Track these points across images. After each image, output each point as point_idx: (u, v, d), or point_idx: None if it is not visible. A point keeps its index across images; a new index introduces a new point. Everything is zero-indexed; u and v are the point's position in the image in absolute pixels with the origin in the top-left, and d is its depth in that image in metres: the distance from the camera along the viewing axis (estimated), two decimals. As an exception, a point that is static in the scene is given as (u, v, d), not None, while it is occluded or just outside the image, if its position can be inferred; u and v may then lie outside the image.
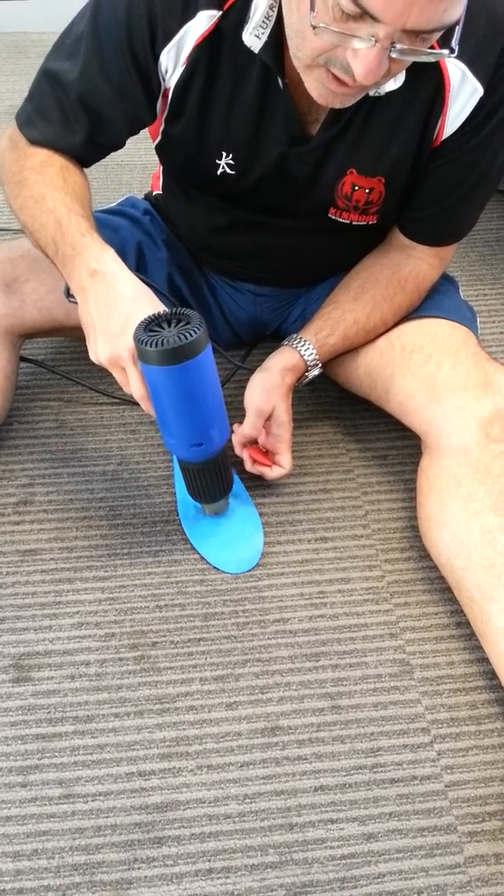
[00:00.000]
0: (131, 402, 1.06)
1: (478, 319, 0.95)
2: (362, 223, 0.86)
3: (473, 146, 0.77)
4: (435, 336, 0.86)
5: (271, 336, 1.12)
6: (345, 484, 0.98)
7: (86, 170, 0.85)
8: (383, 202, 0.83)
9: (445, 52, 0.62)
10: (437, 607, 0.86)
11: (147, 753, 0.74)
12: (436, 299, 0.91)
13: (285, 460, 0.90)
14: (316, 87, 0.67)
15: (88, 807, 0.71)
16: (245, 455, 0.92)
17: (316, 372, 0.90)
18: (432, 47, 0.62)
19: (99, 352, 0.73)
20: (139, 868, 0.68)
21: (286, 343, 0.90)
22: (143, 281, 0.75)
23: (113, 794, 0.72)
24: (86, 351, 1.11)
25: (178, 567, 0.89)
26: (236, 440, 0.91)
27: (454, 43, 0.62)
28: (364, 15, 0.57)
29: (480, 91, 0.73)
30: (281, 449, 0.90)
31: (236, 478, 0.95)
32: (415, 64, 0.69)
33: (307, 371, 0.89)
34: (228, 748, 0.75)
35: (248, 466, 0.92)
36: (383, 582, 0.88)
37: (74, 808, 0.71)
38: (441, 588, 0.87)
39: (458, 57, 0.70)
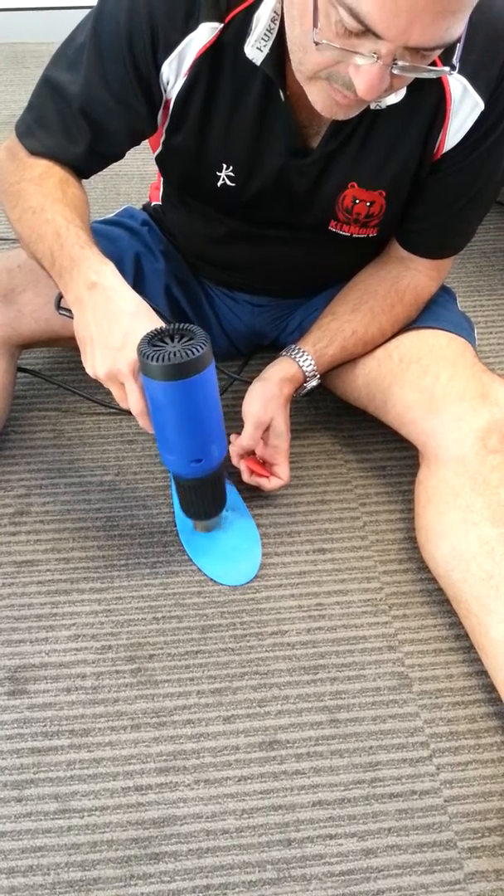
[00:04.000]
0: (129, 413, 1.05)
1: (475, 330, 0.96)
2: (362, 236, 0.86)
3: (474, 160, 0.78)
4: (433, 347, 0.86)
5: (269, 346, 1.12)
6: (343, 495, 0.98)
7: (84, 180, 0.85)
8: (384, 215, 0.83)
9: (447, 69, 0.62)
10: (435, 619, 0.86)
11: (144, 768, 0.74)
12: (434, 310, 0.91)
13: (283, 471, 0.90)
14: (320, 98, 0.67)
15: (84, 822, 0.70)
16: (242, 466, 0.91)
17: (314, 383, 0.90)
18: (434, 63, 0.62)
19: (97, 366, 0.73)
20: (136, 885, 0.67)
21: (284, 354, 0.90)
22: (143, 297, 0.75)
23: (109, 809, 0.71)
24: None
25: (176, 579, 0.88)
26: (234, 451, 0.91)
27: (455, 60, 0.62)
28: (366, 31, 0.57)
29: (481, 106, 0.73)
30: (279, 460, 0.90)
31: (234, 489, 0.94)
32: (416, 78, 0.70)
33: (305, 382, 0.89)
34: (226, 762, 0.74)
35: (246, 478, 0.92)
36: (382, 594, 0.88)
37: (70, 824, 0.70)
38: (439, 600, 0.86)
39: (459, 71, 0.71)
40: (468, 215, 0.85)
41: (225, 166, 0.81)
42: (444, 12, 0.55)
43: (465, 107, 0.74)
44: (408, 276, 0.88)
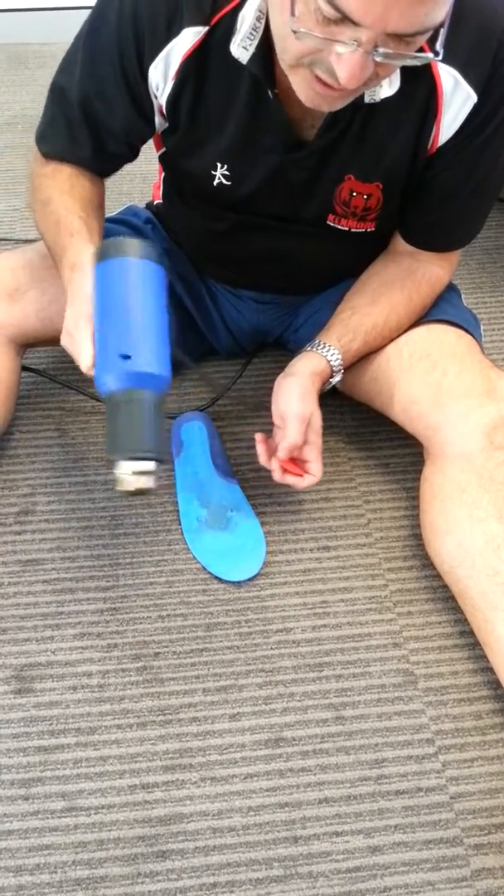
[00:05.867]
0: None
1: (481, 327, 0.95)
2: (361, 230, 0.86)
3: (470, 152, 0.77)
4: (442, 343, 0.86)
5: (272, 344, 1.12)
6: (347, 493, 0.98)
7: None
8: (381, 209, 0.83)
9: (430, 55, 0.62)
10: (440, 616, 0.86)
11: (150, 765, 0.74)
12: (442, 306, 0.91)
13: (316, 468, 0.86)
14: (302, 88, 0.67)
15: (91, 820, 0.70)
16: (274, 465, 0.86)
17: (338, 378, 0.88)
18: (422, 49, 0.61)
19: (63, 325, 0.74)
20: (143, 882, 0.67)
21: (310, 349, 0.87)
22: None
23: (116, 807, 0.71)
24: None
25: (181, 577, 0.88)
26: (263, 451, 0.86)
27: (439, 46, 0.61)
28: (345, 19, 0.57)
29: (474, 98, 0.73)
30: (313, 456, 0.86)
31: (238, 489, 0.94)
32: (407, 69, 0.69)
33: (331, 377, 0.87)
34: (232, 760, 0.74)
35: (278, 477, 0.86)
36: (386, 591, 0.88)
37: (77, 822, 0.70)
38: (444, 597, 0.86)
39: (450, 64, 0.71)
40: (471, 208, 0.84)
41: (219, 165, 0.81)
42: None
43: (457, 99, 0.73)
44: (421, 267, 0.88)
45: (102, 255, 0.72)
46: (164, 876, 0.67)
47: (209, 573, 0.88)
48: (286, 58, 0.65)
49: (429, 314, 0.90)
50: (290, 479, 0.86)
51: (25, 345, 0.98)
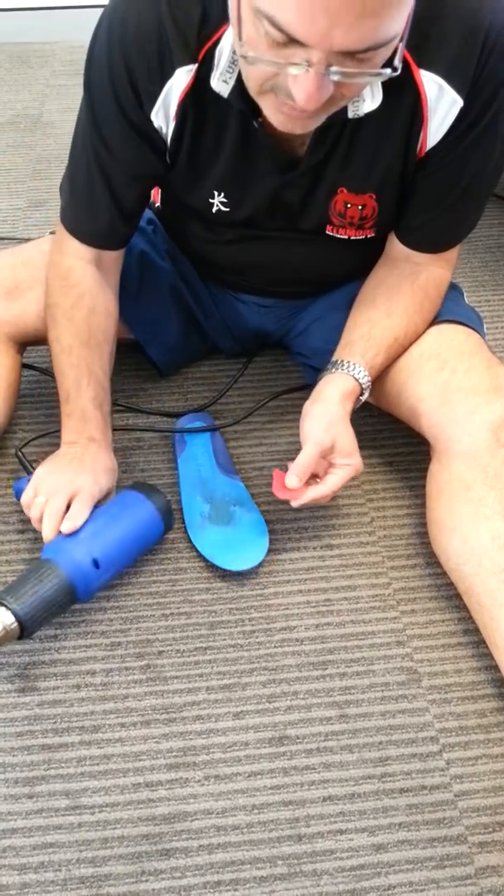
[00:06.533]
0: (134, 410, 1.06)
1: (484, 325, 0.95)
2: (361, 237, 0.86)
3: (459, 154, 0.76)
4: (452, 342, 0.86)
5: (274, 344, 1.12)
6: (350, 490, 0.98)
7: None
8: (378, 216, 0.83)
9: (387, 71, 0.60)
10: (444, 614, 0.85)
11: (154, 764, 0.74)
12: (447, 306, 0.90)
13: (329, 484, 0.82)
14: (272, 113, 0.67)
15: (95, 818, 0.70)
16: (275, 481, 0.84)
17: (367, 395, 0.86)
18: (395, 62, 0.60)
19: (42, 479, 0.83)
20: (147, 881, 0.67)
21: (335, 370, 0.84)
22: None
23: (120, 806, 0.71)
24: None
25: (184, 575, 0.88)
26: (292, 472, 0.82)
27: (397, 61, 0.60)
28: (294, 40, 0.56)
29: (460, 102, 0.72)
30: (332, 481, 0.82)
31: (241, 485, 0.94)
32: (389, 82, 0.68)
33: (361, 395, 0.85)
34: (236, 758, 0.74)
35: (294, 503, 0.83)
36: (390, 589, 0.88)
37: (81, 820, 0.70)
38: (448, 595, 0.86)
39: (433, 70, 0.70)
40: (463, 208, 0.84)
41: (216, 193, 0.82)
42: (364, 14, 0.53)
43: (442, 105, 0.72)
44: (422, 270, 0.87)
45: (134, 485, 0.86)
46: (167, 874, 0.67)
47: (212, 568, 0.88)
48: (250, 85, 0.66)
49: (437, 315, 0.89)
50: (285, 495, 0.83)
51: (25, 343, 0.98)
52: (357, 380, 0.83)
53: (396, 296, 0.86)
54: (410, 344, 0.88)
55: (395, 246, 0.89)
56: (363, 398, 0.85)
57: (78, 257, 0.86)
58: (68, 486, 0.80)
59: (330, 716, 0.77)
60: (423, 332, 0.88)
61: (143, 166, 0.81)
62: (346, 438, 0.81)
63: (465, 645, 0.83)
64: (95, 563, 0.78)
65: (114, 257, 0.88)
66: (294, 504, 0.82)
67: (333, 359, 0.85)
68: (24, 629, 0.74)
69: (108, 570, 0.80)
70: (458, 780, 0.73)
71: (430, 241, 0.87)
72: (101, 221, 0.84)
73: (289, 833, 0.70)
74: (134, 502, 0.84)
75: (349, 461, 0.82)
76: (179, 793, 0.72)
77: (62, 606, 0.77)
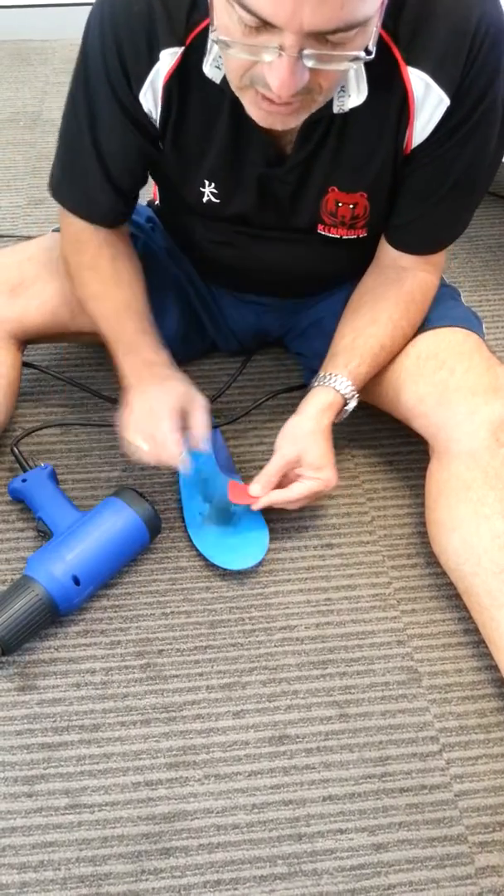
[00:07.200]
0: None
1: (483, 325, 0.95)
2: (353, 237, 0.86)
3: (443, 153, 0.76)
4: (450, 343, 0.86)
5: (273, 343, 1.12)
6: (350, 490, 0.98)
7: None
8: (369, 216, 0.83)
9: (362, 54, 0.60)
10: (444, 614, 0.85)
11: (154, 762, 0.74)
12: (442, 311, 0.90)
13: (295, 491, 0.84)
14: (253, 109, 0.67)
15: (95, 817, 0.70)
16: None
17: (354, 403, 0.86)
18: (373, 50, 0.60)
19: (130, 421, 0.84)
20: (147, 879, 0.67)
21: (316, 384, 0.86)
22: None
23: (120, 804, 0.71)
24: (89, 356, 1.11)
25: (184, 574, 0.88)
26: (256, 480, 0.85)
27: (371, 45, 0.60)
28: (265, 24, 0.56)
29: (447, 101, 0.71)
30: (296, 490, 0.83)
31: (241, 484, 0.94)
32: (375, 76, 0.68)
33: (346, 405, 0.86)
34: (236, 757, 0.74)
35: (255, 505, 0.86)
36: (390, 588, 0.88)
37: (81, 819, 0.70)
38: (448, 594, 0.86)
39: (421, 67, 0.70)
40: (448, 209, 0.83)
41: (207, 183, 0.82)
42: None
43: (429, 103, 0.72)
44: (408, 276, 0.87)
45: (118, 492, 0.86)
46: (167, 873, 0.67)
47: (212, 567, 0.88)
48: (231, 79, 0.66)
49: (432, 321, 0.89)
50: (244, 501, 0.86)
51: (26, 340, 0.97)
52: (338, 391, 0.84)
53: (382, 303, 0.86)
54: (400, 349, 0.88)
55: (383, 250, 0.88)
56: (349, 407, 0.86)
57: (85, 226, 0.87)
58: (163, 406, 0.80)
59: (330, 715, 0.77)
60: (413, 337, 0.88)
61: (135, 150, 0.80)
62: (316, 452, 0.83)
63: (465, 644, 0.83)
64: (76, 580, 0.80)
65: (121, 228, 0.89)
66: (253, 507, 0.85)
67: (319, 373, 0.86)
68: (5, 648, 0.77)
69: (89, 585, 0.82)
70: (458, 780, 0.73)
71: (416, 242, 0.86)
72: (102, 205, 0.85)
73: (289, 832, 0.70)
74: (117, 512, 0.84)
75: (318, 475, 0.83)
76: (179, 792, 0.72)
77: (43, 624, 0.80)
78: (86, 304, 0.88)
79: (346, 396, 0.85)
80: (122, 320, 0.86)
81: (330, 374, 0.85)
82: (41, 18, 1.93)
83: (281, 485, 0.85)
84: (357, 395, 0.86)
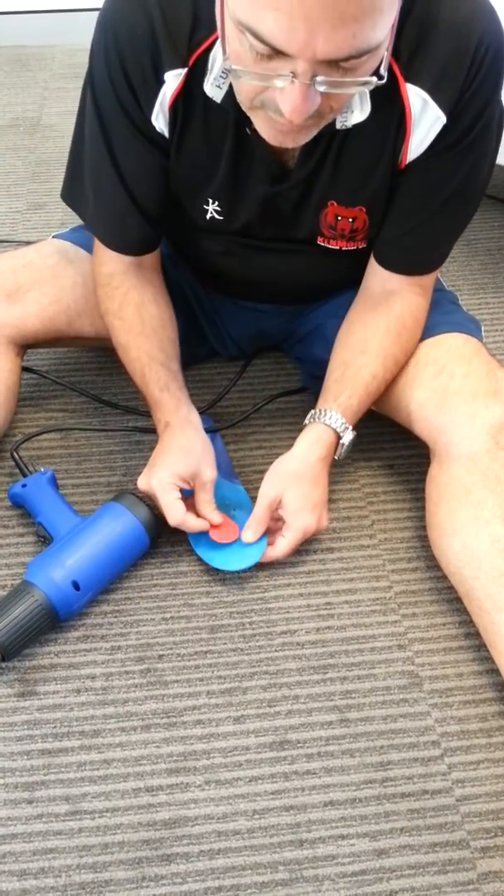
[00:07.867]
0: (135, 413, 1.05)
1: (482, 329, 0.95)
2: (352, 248, 0.86)
3: (438, 169, 0.76)
4: (450, 347, 0.86)
5: (272, 348, 1.12)
6: (350, 494, 0.98)
7: None
8: (368, 229, 0.83)
9: (373, 79, 0.60)
10: (445, 618, 0.85)
11: (154, 768, 0.73)
12: (438, 319, 0.90)
13: (281, 545, 0.84)
14: (264, 129, 0.67)
15: (95, 823, 0.70)
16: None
17: (350, 436, 0.86)
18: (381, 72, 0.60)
19: (139, 480, 0.85)
20: (147, 886, 0.67)
21: (310, 421, 0.86)
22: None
23: (120, 811, 0.71)
24: (89, 361, 1.11)
25: (184, 579, 0.88)
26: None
27: (383, 69, 0.60)
28: (277, 52, 0.56)
29: (443, 120, 0.72)
30: (285, 540, 0.84)
31: (242, 488, 0.94)
32: (377, 93, 0.68)
33: (340, 438, 0.85)
34: (236, 763, 0.74)
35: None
36: (391, 592, 0.88)
37: (81, 825, 0.70)
38: (449, 598, 0.86)
39: (419, 84, 0.70)
40: (438, 226, 0.82)
41: (211, 201, 0.82)
42: (344, 19, 0.53)
43: (425, 120, 0.72)
44: (398, 301, 0.86)
45: (119, 496, 0.86)
46: (168, 880, 0.67)
47: (213, 571, 0.88)
48: (241, 100, 0.66)
49: (434, 326, 0.89)
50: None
51: (25, 346, 0.97)
52: (328, 426, 0.84)
53: (371, 332, 0.86)
54: (393, 375, 0.87)
55: (371, 274, 0.88)
56: (344, 441, 0.85)
57: (117, 262, 0.88)
58: (157, 483, 0.82)
59: (331, 720, 0.77)
60: (405, 363, 0.88)
61: (158, 170, 0.80)
62: (294, 494, 0.83)
63: (466, 648, 0.82)
64: (76, 586, 0.80)
65: (151, 257, 0.90)
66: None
67: (312, 410, 0.86)
68: (5, 654, 0.77)
69: (90, 590, 0.82)
70: (459, 785, 0.73)
71: (405, 261, 0.85)
72: (133, 233, 0.85)
73: (290, 838, 0.69)
74: (117, 516, 0.84)
75: (294, 521, 0.83)
76: (180, 798, 0.72)
77: (43, 630, 0.79)
78: (116, 349, 0.90)
79: (339, 430, 0.84)
80: (146, 377, 0.86)
81: (321, 410, 0.85)
82: (40, 24, 1.93)
83: (273, 527, 0.86)
84: (351, 428, 0.85)
